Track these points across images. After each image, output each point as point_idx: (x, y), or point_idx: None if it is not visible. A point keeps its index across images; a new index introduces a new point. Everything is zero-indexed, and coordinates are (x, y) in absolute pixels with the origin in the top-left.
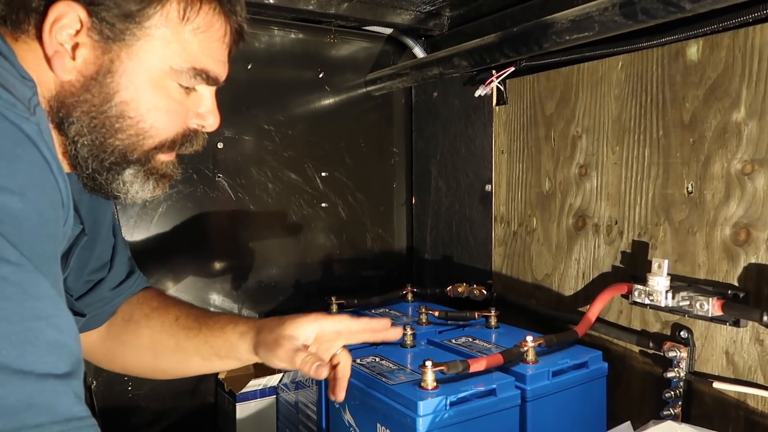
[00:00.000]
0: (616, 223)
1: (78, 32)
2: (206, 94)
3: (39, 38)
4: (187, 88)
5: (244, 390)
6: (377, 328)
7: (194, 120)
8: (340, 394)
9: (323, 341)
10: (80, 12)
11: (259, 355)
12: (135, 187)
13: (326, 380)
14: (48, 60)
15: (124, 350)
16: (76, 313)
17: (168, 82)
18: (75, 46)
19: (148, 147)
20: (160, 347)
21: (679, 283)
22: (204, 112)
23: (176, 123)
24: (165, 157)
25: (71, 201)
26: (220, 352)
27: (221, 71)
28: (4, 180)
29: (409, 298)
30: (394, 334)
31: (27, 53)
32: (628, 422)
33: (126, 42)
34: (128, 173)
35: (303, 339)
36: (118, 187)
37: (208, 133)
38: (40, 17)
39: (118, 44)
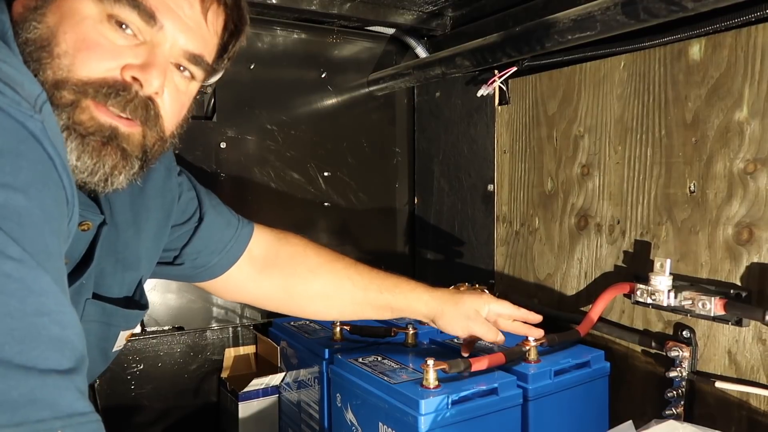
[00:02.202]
0: (619, 222)
1: None
2: (152, 47)
3: None
4: (119, 23)
5: (246, 389)
6: (530, 319)
7: (131, 71)
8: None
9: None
10: None
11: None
12: (69, 146)
13: (328, 379)
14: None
15: (297, 297)
16: (139, 306)
17: (94, 11)
18: None
19: (63, 79)
20: (335, 300)
21: (681, 282)
22: (142, 63)
23: (99, 61)
24: (98, 112)
25: (76, 198)
26: (396, 309)
27: (156, 5)
28: (7, 177)
29: None
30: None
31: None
32: (630, 421)
33: None
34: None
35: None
36: None
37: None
38: None
39: None
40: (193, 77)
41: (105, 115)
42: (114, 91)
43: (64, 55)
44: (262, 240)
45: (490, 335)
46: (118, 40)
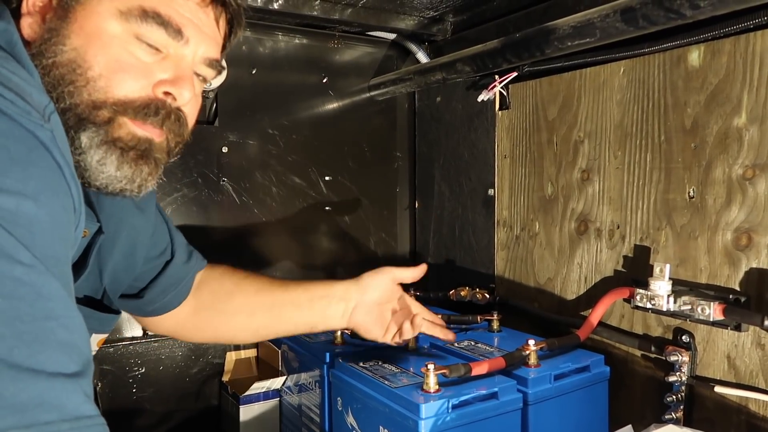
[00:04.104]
0: (618, 227)
1: None
2: (178, 59)
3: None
4: (150, 45)
5: (247, 392)
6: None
7: (162, 87)
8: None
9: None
10: None
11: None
12: (95, 155)
13: (329, 383)
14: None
15: (218, 317)
16: (112, 311)
17: (120, 31)
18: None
19: (99, 100)
20: (256, 305)
21: (680, 287)
22: (172, 78)
23: (134, 81)
24: (135, 127)
25: (83, 206)
26: (320, 296)
27: (184, 22)
28: (18, 184)
29: None
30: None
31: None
32: (630, 426)
33: None
34: (84, 137)
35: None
36: (80, 158)
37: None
38: None
39: None
40: (205, 79)
41: (142, 130)
42: (153, 110)
43: (99, 78)
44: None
45: (417, 310)
46: (146, 57)
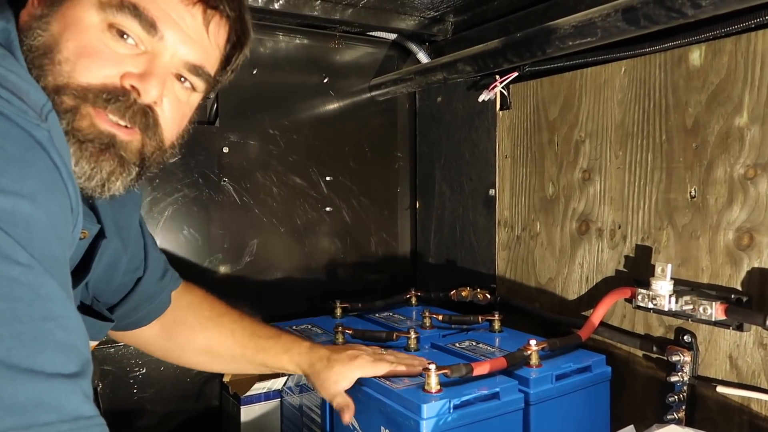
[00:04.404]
0: (620, 227)
1: None
2: (152, 56)
3: None
4: (121, 32)
5: (248, 393)
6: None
7: (130, 80)
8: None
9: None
10: None
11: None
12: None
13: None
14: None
15: (181, 351)
16: (105, 319)
17: (95, 18)
18: None
19: (62, 84)
20: (216, 356)
21: (682, 287)
22: (141, 72)
23: (99, 68)
24: (97, 119)
25: (80, 206)
26: (272, 368)
27: (162, 16)
28: (15, 184)
29: (413, 302)
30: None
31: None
32: (632, 426)
33: None
34: None
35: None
36: None
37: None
38: None
39: None
40: (194, 88)
41: (105, 123)
42: (113, 96)
43: (65, 62)
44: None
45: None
46: (119, 48)
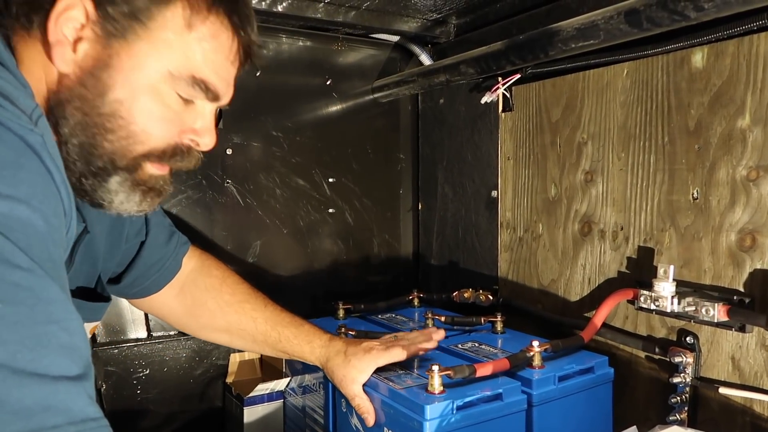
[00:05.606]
0: (622, 228)
1: (83, 26)
2: (205, 111)
3: (42, 30)
4: (185, 99)
5: (251, 394)
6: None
7: (189, 135)
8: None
9: None
10: (88, 5)
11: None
12: (120, 196)
13: (333, 384)
14: (48, 51)
15: (201, 330)
16: (102, 299)
17: (165, 88)
18: (77, 39)
19: (137, 153)
20: (237, 337)
21: (684, 288)
22: (200, 129)
23: (168, 132)
24: (154, 169)
25: (73, 210)
26: (293, 356)
27: (222, 87)
28: (10, 189)
29: (416, 304)
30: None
31: (26, 46)
32: (634, 427)
33: (127, 40)
34: (114, 181)
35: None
36: (104, 194)
37: (204, 151)
38: (47, 8)
39: (120, 41)
40: None
41: (159, 170)
42: (175, 155)
43: (141, 133)
44: (188, 262)
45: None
46: (178, 106)
